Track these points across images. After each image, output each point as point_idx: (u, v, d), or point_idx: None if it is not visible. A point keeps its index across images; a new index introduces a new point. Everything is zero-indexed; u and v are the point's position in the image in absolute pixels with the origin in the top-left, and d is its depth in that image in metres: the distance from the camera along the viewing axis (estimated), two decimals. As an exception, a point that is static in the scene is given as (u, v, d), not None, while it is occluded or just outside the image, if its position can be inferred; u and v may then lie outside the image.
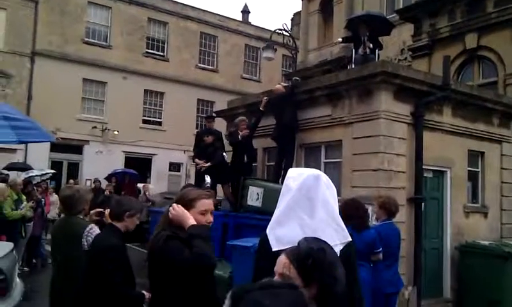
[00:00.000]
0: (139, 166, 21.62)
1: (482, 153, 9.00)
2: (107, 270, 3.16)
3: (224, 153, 9.57)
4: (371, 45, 9.43)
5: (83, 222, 4.08)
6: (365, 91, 7.67)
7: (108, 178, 17.23)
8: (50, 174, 14.93)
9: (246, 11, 29.66)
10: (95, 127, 21.89)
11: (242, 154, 8.98)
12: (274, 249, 2.28)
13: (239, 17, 29.06)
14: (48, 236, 8.53)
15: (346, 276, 2.46)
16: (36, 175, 13.07)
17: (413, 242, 7.55)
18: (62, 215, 5.22)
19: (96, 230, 3.87)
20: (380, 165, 7.30)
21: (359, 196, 6.27)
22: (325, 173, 2.61)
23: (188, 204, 2.74)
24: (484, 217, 8.91)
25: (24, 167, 16.22)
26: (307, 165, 8.49)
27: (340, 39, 11.33)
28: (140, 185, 17.40)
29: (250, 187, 7.84)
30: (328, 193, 2.49)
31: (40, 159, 18.88)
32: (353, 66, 9.52)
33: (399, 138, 7.57)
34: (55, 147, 19.73)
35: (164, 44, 24.53)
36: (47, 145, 19.13)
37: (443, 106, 8.22)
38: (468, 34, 12.45)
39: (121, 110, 22.10)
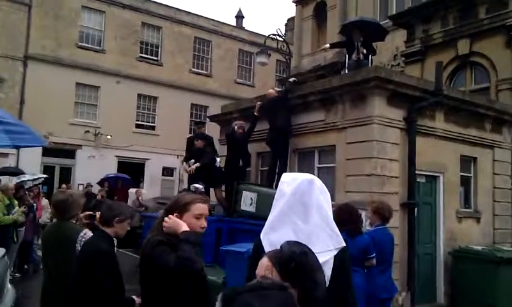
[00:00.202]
0: (132, 171, 21.52)
1: (475, 159, 9.05)
2: (98, 276, 3.13)
3: (217, 158, 9.56)
4: (365, 51, 9.47)
5: (77, 227, 4.04)
6: (358, 96, 7.70)
7: (101, 183, 17.15)
8: (42, 179, 14.82)
9: (240, 16, 29.72)
10: (88, 131, 21.77)
11: (237, 158, 8.98)
12: (268, 255, 2.27)
13: (233, 22, 29.12)
14: (40, 241, 8.46)
15: (340, 281, 2.46)
16: (28, 180, 12.96)
17: (406, 247, 7.57)
18: (54, 220, 5.17)
19: (90, 235, 3.84)
20: (373, 170, 7.32)
21: (353, 200, 6.28)
22: (318, 177, 2.61)
23: (183, 208, 2.72)
24: (477, 222, 8.95)
25: (15, 171, 16.11)
26: (300, 170, 8.48)
27: (328, 46, 11.34)
28: (133, 190, 17.32)
29: (244, 191, 7.82)
30: (322, 198, 2.49)
31: (32, 164, 18.74)
32: (347, 72, 9.55)
33: (392, 143, 7.60)
34: (47, 151, 19.60)
35: (158, 48, 24.50)
36: (39, 149, 18.99)
37: (436, 111, 8.27)
38: (460, 40, 12.55)
39: (114, 115, 22.02)
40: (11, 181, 11.68)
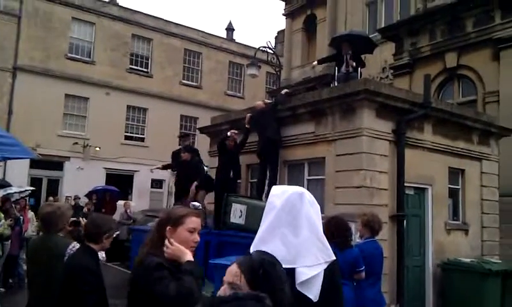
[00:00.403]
0: (121, 183, 21.33)
1: (463, 171, 9.11)
2: (82, 291, 3.07)
3: (205, 167, 9.64)
4: (354, 63, 9.54)
5: (64, 240, 3.98)
6: (347, 108, 7.74)
7: (88, 195, 16.97)
8: (29, 192, 14.63)
9: (230, 29, 29.84)
10: (76, 143, 21.61)
11: (228, 169, 8.95)
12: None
13: (224, 34, 29.22)
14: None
15: (330, 294, 2.44)
16: (15, 192, 12.76)
17: (395, 259, 7.57)
18: (41, 234, 5.09)
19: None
20: (362, 182, 7.34)
21: (342, 213, 6.27)
22: (308, 189, 2.60)
23: (176, 221, 2.67)
24: (465, 234, 8.99)
25: (2, 183, 15.83)
26: (290, 182, 8.48)
27: (315, 63, 11.41)
28: (121, 202, 17.17)
29: (233, 204, 7.78)
30: (311, 211, 2.47)
31: (19, 176, 18.52)
32: (336, 84, 9.60)
33: (381, 155, 7.63)
34: (35, 163, 19.41)
35: (148, 60, 24.50)
36: (27, 161, 18.81)
37: (424, 124, 8.33)
38: (448, 53, 12.72)
39: (103, 126, 21.90)
40: (-2, 194, 11.50)
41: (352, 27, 16.49)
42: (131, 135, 23.71)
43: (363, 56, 10.30)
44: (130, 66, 23.81)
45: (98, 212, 12.91)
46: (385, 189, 7.62)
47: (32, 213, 11.84)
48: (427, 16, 13.38)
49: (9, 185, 14.63)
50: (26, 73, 20.66)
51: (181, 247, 2.56)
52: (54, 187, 21.10)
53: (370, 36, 13.03)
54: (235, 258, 1.88)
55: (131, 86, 23.27)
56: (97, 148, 21.82)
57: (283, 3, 22.29)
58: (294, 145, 8.78)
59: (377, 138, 7.60)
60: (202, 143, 10.60)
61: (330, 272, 2.44)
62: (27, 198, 14.23)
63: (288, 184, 7.75)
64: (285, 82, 20.17)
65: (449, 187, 8.85)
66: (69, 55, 22.04)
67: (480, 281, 7.53)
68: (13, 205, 10.58)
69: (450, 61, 12.69)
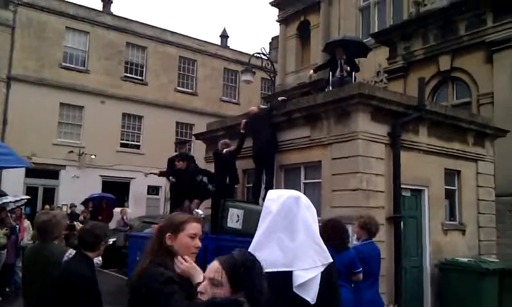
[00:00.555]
0: (117, 190, 21.27)
1: (459, 172, 9.15)
2: (81, 301, 3.07)
3: (204, 178, 9.62)
4: (348, 68, 9.58)
5: (60, 248, 3.98)
6: (342, 112, 7.76)
7: (85, 203, 16.91)
8: (25, 200, 14.56)
9: (224, 36, 29.90)
10: (72, 151, 21.54)
11: (224, 175, 8.97)
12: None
13: (218, 41, 29.28)
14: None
15: (328, 296, 2.44)
16: (10, 202, 12.71)
17: (393, 260, 7.58)
18: (37, 242, 5.07)
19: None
20: (359, 185, 7.36)
21: (339, 216, 6.28)
22: (305, 193, 2.63)
23: (177, 227, 2.65)
24: (462, 234, 9.02)
25: (-2, 193, 15.79)
26: (287, 186, 8.50)
27: (312, 71, 11.44)
28: (118, 210, 17.12)
29: (230, 208, 7.78)
30: (308, 214, 2.49)
31: (14, 185, 18.42)
32: (331, 89, 9.64)
33: (377, 158, 7.65)
34: (30, 172, 19.31)
35: (143, 68, 24.49)
36: (22, 170, 18.73)
37: (419, 126, 8.37)
38: (441, 57, 12.80)
39: (98, 134, 21.86)
40: (-7, 203, 11.45)
41: (346, 32, 16.59)
42: (127, 142, 23.67)
43: (357, 60, 10.34)
44: (125, 74, 23.79)
45: (95, 219, 12.84)
46: (382, 191, 7.65)
47: (29, 222, 11.80)
48: (420, 21, 13.47)
49: (5, 195, 14.55)
50: (20, 82, 20.61)
51: (195, 266, 2.47)
52: (50, 195, 21.01)
53: (364, 40, 13.09)
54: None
55: (126, 94, 23.25)
56: (93, 156, 21.77)
57: (277, 10, 22.38)
58: (289, 149, 8.80)
59: (372, 141, 7.63)
60: (198, 150, 10.60)
61: (327, 274, 2.45)
62: (23, 207, 14.17)
63: (285, 188, 7.77)
64: (280, 88, 20.23)
65: (445, 188, 8.88)
66: (63, 64, 22.01)
67: (477, 280, 7.55)
68: (9, 214, 10.54)
69: (443, 64, 12.77)
